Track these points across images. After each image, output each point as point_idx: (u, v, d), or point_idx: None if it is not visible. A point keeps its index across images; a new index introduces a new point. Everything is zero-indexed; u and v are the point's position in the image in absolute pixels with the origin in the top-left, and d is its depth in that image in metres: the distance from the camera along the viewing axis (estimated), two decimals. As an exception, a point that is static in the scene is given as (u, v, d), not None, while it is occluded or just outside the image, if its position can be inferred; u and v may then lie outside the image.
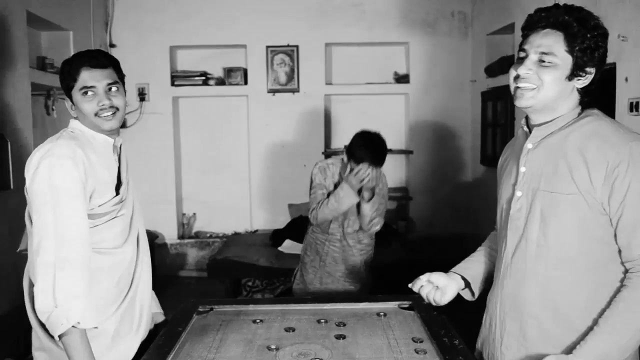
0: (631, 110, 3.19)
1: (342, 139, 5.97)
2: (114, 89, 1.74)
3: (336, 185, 2.77)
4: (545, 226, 1.47)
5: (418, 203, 5.88)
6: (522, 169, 1.53)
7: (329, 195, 2.75)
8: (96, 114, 1.72)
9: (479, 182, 5.64)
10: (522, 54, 1.48)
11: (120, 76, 1.80)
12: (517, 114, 4.77)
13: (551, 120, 1.49)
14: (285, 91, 5.74)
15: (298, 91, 5.74)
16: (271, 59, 5.70)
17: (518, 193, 1.54)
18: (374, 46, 5.87)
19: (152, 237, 5.49)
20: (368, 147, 2.60)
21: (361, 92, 5.86)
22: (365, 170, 2.59)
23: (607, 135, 1.40)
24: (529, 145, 1.52)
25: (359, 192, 2.68)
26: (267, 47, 5.68)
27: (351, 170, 2.64)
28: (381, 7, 5.68)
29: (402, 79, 5.83)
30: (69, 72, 1.72)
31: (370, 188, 2.69)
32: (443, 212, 5.90)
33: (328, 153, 5.76)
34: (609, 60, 3.42)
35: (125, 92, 1.81)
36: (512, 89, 1.50)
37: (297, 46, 5.68)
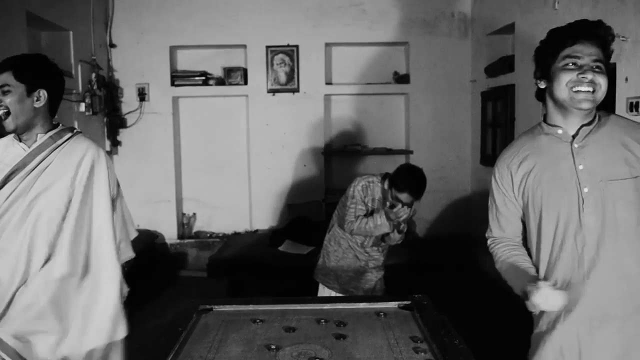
0: (631, 110, 3.19)
1: (342, 138, 5.98)
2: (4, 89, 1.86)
3: (372, 205, 3.03)
4: (623, 212, 1.60)
5: (418, 203, 5.86)
6: (580, 167, 1.64)
7: (366, 214, 3.00)
8: None
9: (478, 182, 5.64)
10: (572, 61, 1.60)
11: (22, 79, 1.86)
12: (517, 115, 4.77)
13: (591, 121, 1.67)
14: (285, 91, 5.74)
15: (298, 91, 5.74)
16: (271, 58, 5.70)
17: (585, 189, 1.62)
18: (374, 46, 5.87)
19: (152, 237, 5.50)
20: (411, 181, 2.87)
21: (361, 92, 5.86)
22: (404, 210, 2.88)
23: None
24: (575, 145, 1.65)
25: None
26: (267, 47, 5.67)
27: (391, 204, 2.91)
28: (381, 7, 5.68)
29: (402, 79, 5.83)
30: None
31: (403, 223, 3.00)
32: (443, 212, 5.90)
33: (327, 153, 5.76)
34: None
35: (19, 95, 1.85)
36: (567, 93, 1.61)
37: (297, 46, 5.68)
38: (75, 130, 2.01)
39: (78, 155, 1.94)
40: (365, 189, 3.02)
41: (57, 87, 1.97)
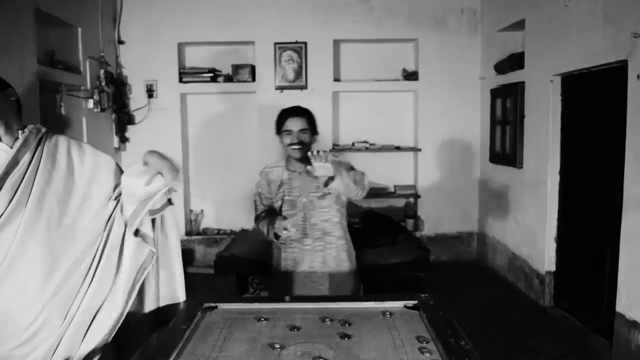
0: (643, 108, 3.14)
1: (350, 136, 5.95)
2: None
3: (280, 189, 2.77)
4: None
5: (426, 201, 5.84)
6: None
7: (283, 201, 2.73)
8: None
9: (487, 179, 5.60)
10: None
11: None
12: (527, 112, 4.72)
13: None
14: (293, 88, 5.73)
15: (306, 88, 5.72)
16: (279, 55, 5.69)
17: None
18: (382, 43, 5.84)
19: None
20: (283, 111, 2.79)
21: (369, 89, 5.84)
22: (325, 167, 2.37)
23: None
24: None
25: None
26: (275, 43, 5.66)
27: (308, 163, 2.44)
28: (390, 4, 5.65)
29: (410, 75, 5.79)
30: None
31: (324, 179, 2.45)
32: (451, 210, 5.87)
33: (335, 150, 5.74)
34: (621, 56, 3.40)
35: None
36: None
37: (305, 43, 5.67)
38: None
39: (64, 147, 1.93)
40: (265, 175, 2.83)
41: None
